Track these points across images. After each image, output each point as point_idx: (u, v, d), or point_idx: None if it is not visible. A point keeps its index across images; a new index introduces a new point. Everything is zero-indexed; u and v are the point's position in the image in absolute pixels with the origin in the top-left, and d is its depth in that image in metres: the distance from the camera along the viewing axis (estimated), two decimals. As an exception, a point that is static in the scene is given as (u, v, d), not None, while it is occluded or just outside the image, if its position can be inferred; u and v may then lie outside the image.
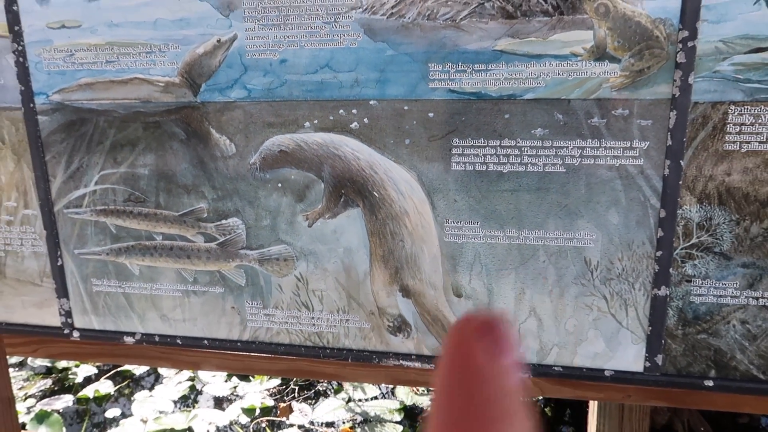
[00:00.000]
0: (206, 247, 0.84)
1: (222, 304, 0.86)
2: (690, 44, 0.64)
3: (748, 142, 0.67)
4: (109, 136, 0.83)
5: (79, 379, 2.76)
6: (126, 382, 2.71)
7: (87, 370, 2.78)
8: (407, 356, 0.82)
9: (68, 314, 0.92)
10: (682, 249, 0.71)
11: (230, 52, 0.76)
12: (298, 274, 0.83)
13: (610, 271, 0.74)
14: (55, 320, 0.93)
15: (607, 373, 0.77)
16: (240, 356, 0.92)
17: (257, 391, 2.69)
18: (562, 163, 0.71)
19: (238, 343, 0.87)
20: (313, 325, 0.84)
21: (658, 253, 0.71)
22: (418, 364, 0.82)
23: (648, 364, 0.75)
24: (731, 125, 0.67)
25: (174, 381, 2.73)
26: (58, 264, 0.90)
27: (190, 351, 0.92)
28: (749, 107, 0.66)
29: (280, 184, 0.80)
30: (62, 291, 0.91)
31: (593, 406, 1.22)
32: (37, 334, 0.96)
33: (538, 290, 0.76)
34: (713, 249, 0.70)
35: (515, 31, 0.68)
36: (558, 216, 0.73)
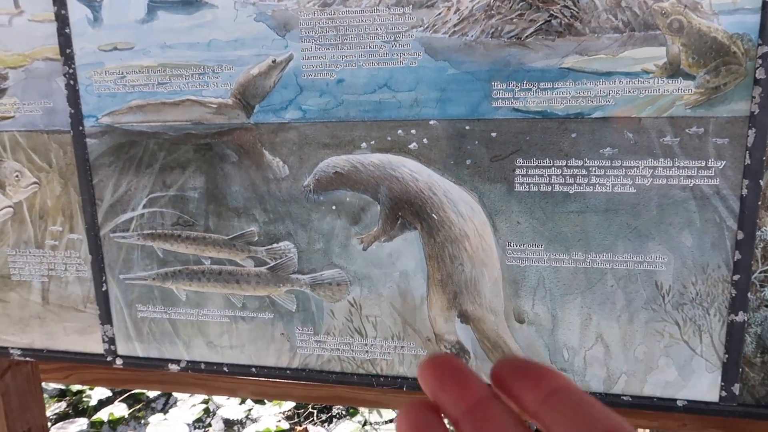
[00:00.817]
0: (256, 272, 0.82)
1: (271, 331, 0.84)
2: (770, 59, 0.62)
3: (832, 161, 0.64)
4: (159, 158, 0.81)
5: (93, 402, 2.74)
6: (140, 405, 2.68)
7: (101, 392, 2.75)
8: (465, 385, 0.79)
9: (112, 341, 0.90)
10: (761, 272, 0.68)
11: (286, 72, 0.74)
12: (351, 299, 0.80)
13: (683, 296, 0.70)
14: (98, 347, 0.91)
15: (679, 403, 0.73)
16: (278, 383, 0.89)
17: (272, 414, 2.65)
18: (632, 183, 0.69)
19: (288, 371, 0.85)
20: (366, 352, 0.81)
21: (735, 277, 0.68)
22: (477, 394, 0.78)
23: (724, 393, 0.72)
24: (814, 143, 0.64)
25: (188, 404, 2.69)
26: (103, 289, 0.88)
27: (226, 377, 0.89)
28: (833, 124, 0.63)
29: (334, 207, 0.77)
30: (106, 317, 0.89)
31: (644, 435, 1.17)
32: (78, 361, 0.93)
33: (606, 316, 0.73)
34: (795, 272, 0.67)
35: (583, 48, 0.66)
36: (627, 238, 0.70)
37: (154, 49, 0.77)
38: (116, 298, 0.88)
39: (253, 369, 0.86)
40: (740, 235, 0.67)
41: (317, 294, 0.81)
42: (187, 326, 0.87)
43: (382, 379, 0.82)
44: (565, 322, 0.74)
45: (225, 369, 0.87)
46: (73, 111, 0.82)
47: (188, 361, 0.88)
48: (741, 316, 0.69)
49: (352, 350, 0.82)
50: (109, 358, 0.91)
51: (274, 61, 0.74)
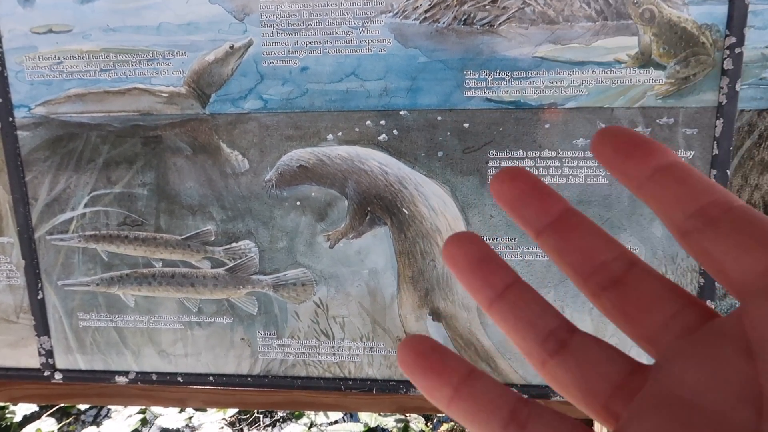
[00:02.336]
0: (213, 274, 0.76)
1: (230, 336, 0.79)
2: (737, 50, 0.63)
3: (794, 150, 0.66)
4: (103, 152, 0.74)
5: (17, 418, 2.55)
6: (71, 419, 2.52)
7: (27, 408, 2.57)
8: (437, 384, 0.76)
9: (49, 354, 0.82)
10: (727, 261, 0.69)
11: (245, 59, 0.69)
12: (317, 300, 0.76)
13: (653, 286, 0.71)
14: (33, 361, 0.83)
15: (649, 393, 0.74)
16: (231, 390, 0.84)
17: (214, 421, 2.55)
18: (604, 174, 0.68)
19: (249, 378, 0.79)
20: (334, 354, 0.78)
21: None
22: (449, 393, 0.76)
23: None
24: (777, 133, 0.65)
25: (123, 414, 2.55)
26: (39, 297, 0.80)
27: (174, 387, 0.83)
28: (795, 114, 0.65)
29: (298, 203, 0.73)
30: (42, 328, 0.81)
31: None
32: (9, 378, 0.84)
33: (579, 308, 0.72)
34: (758, 260, 0.69)
35: (557, 37, 0.65)
36: (600, 230, 0.70)
37: (96, 32, 0.70)
38: (54, 306, 0.80)
39: (211, 378, 0.80)
40: (708, 225, 0.68)
41: (280, 295, 0.76)
42: (136, 334, 0.80)
43: (350, 382, 0.78)
44: (538, 316, 0.73)
45: (179, 379, 0.81)
46: (1, 100, 0.73)
47: (138, 373, 0.81)
48: (708, 305, 0.70)
49: (319, 353, 0.78)
50: (46, 373, 0.83)
51: (231, 47, 0.69)
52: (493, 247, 0.69)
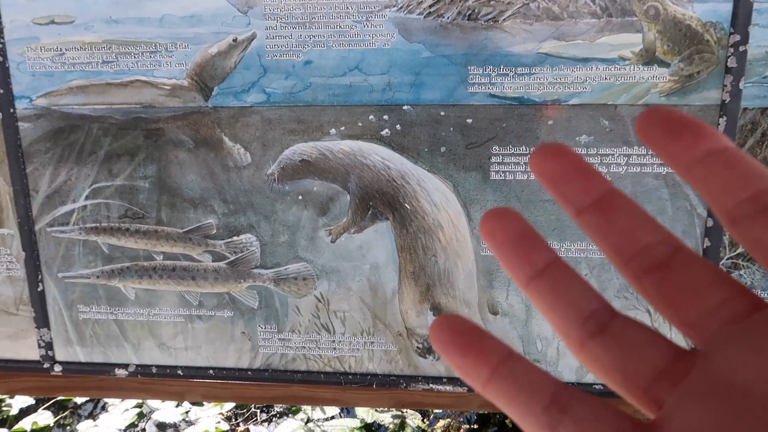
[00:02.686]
0: (214, 267, 0.76)
1: (231, 330, 0.78)
2: (741, 48, 0.63)
3: (796, 149, 0.66)
4: (104, 145, 0.74)
5: (14, 411, 2.54)
6: (67, 412, 2.52)
7: (23, 400, 2.56)
8: (437, 379, 0.77)
9: (49, 346, 0.82)
10: (728, 259, 0.69)
11: (248, 52, 0.69)
12: (318, 295, 0.76)
13: (654, 284, 0.71)
14: (33, 353, 0.83)
15: (649, 390, 0.74)
16: (230, 384, 0.84)
17: (211, 416, 2.55)
18: (607, 171, 0.68)
19: (249, 372, 0.79)
20: (334, 349, 0.78)
21: (705, 264, 0.69)
22: (449, 388, 0.76)
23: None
24: (779, 131, 0.65)
25: (120, 408, 2.55)
26: (38, 289, 0.79)
27: (173, 380, 0.83)
28: (798, 113, 0.65)
29: (300, 197, 0.73)
30: (42, 320, 0.81)
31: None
32: (8, 370, 0.84)
33: (579, 305, 0.72)
34: (759, 258, 0.69)
35: (561, 33, 0.65)
36: (601, 227, 0.70)
37: (98, 23, 0.70)
38: (54, 298, 0.80)
39: (211, 371, 0.80)
40: (710, 222, 0.68)
41: (281, 289, 0.76)
42: (136, 327, 0.80)
43: (350, 376, 0.78)
44: (538, 313, 0.73)
45: (179, 372, 0.81)
46: (2, 91, 0.73)
47: (137, 365, 0.81)
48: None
49: (319, 348, 0.78)
50: (45, 365, 0.82)
51: (235, 40, 0.69)
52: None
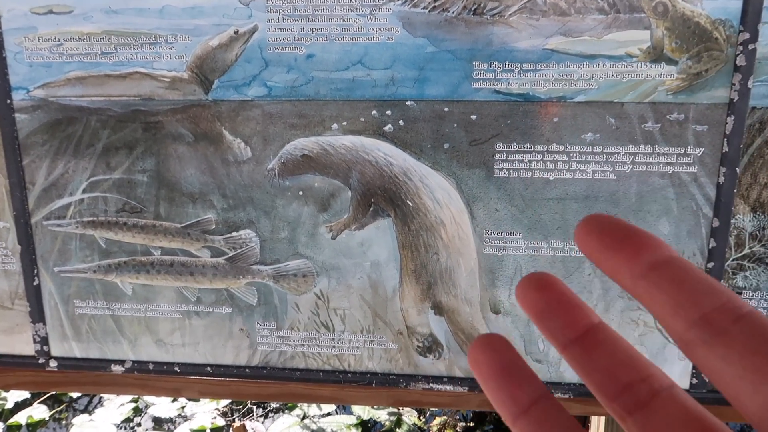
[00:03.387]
0: (213, 263, 0.75)
1: (229, 326, 0.78)
2: (751, 47, 0.62)
3: (804, 149, 0.65)
4: (102, 137, 0.73)
5: (9, 405, 2.53)
6: (63, 406, 2.51)
7: (18, 394, 2.55)
8: (438, 379, 0.76)
9: (44, 341, 0.81)
10: (733, 260, 0.68)
11: (249, 45, 0.68)
12: (318, 292, 0.75)
13: (658, 284, 0.70)
14: (28, 348, 0.81)
15: (651, 392, 0.73)
16: (227, 381, 0.83)
17: (207, 411, 2.54)
18: (612, 170, 0.67)
19: (247, 369, 0.78)
20: (333, 347, 0.77)
21: (710, 265, 0.68)
22: (449, 387, 0.75)
23: (695, 380, 0.72)
24: (788, 131, 0.65)
25: (116, 403, 2.54)
26: (34, 284, 0.78)
27: (170, 377, 0.82)
28: (807, 113, 0.64)
29: (301, 192, 0.72)
30: (38, 314, 0.80)
31: (597, 422, 1.19)
32: (3, 365, 0.83)
33: (582, 305, 0.71)
34: (765, 260, 0.68)
35: (568, 29, 0.64)
36: (606, 226, 0.69)
37: (97, 13, 0.69)
38: (50, 293, 0.79)
39: (208, 368, 0.79)
40: (716, 223, 0.67)
41: (281, 286, 0.75)
42: (133, 323, 0.79)
43: (349, 375, 0.77)
44: (541, 312, 0.72)
45: (176, 369, 0.80)
46: (-1, 82, 0.72)
47: (134, 362, 0.80)
48: None
49: (318, 346, 0.77)
50: (41, 360, 0.81)
51: (236, 32, 0.68)
52: (498, 241, 0.68)
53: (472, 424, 2.11)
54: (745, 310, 0.16)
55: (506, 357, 0.21)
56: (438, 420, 2.14)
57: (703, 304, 0.16)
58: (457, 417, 2.14)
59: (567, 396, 0.74)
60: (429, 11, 0.65)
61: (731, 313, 0.16)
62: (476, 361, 0.21)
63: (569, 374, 0.74)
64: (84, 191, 0.75)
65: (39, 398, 2.55)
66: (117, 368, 0.80)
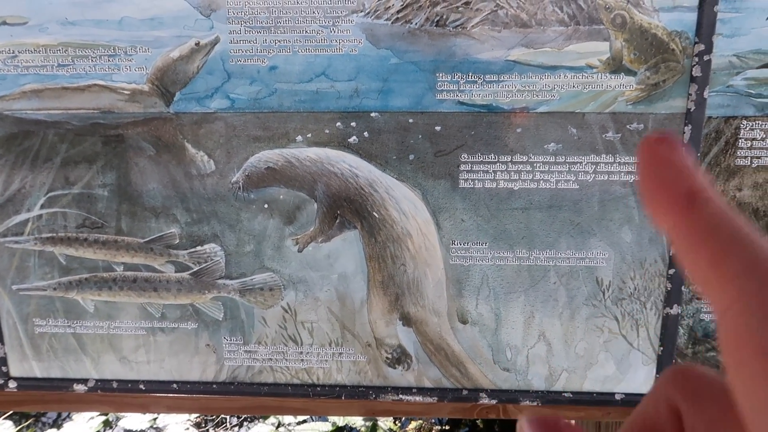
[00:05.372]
0: (177, 278, 0.74)
1: (195, 342, 0.76)
2: (706, 58, 0.63)
3: (759, 157, 0.67)
4: (60, 151, 0.71)
5: (-29, 422, 2.45)
6: (30, 421, 2.44)
7: (-18, 411, 2.47)
8: (407, 390, 0.76)
9: (2, 361, 0.78)
10: (694, 266, 0.70)
11: (211, 56, 0.67)
12: (285, 305, 0.74)
13: (622, 291, 0.71)
14: (-15, 369, 0.79)
15: (617, 397, 0.74)
16: (194, 396, 0.81)
17: (180, 422, 2.50)
18: (575, 179, 0.68)
19: (214, 386, 0.77)
20: (302, 360, 0.76)
21: (671, 271, 0.70)
22: (419, 398, 0.75)
23: (659, 385, 0.73)
24: (743, 140, 0.66)
25: (85, 417, 2.48)
26: (-9, 302, 0.76)
27: (137, 393, 0.80)
28: (761, 122, 0.66)
29: (266, 205, 0.71)
30: (-5, 334, 0.77)
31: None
32: (-41, 386, 0.80)
33: (548, 313, 0.72)
34: (724, 265, 0.70)
35: (530, 40, 0.65)
36: (570, 235, 0.70)
37: (53, 25, 0.67)
38: (8, 311, 0.77)
39: (175, 385, 0.78)
40: (676, 230, 0.68)
41: (247, 300, 0.74)
42: (95, 341, 0.77)
43: (318, 388, 0.76)
44: (508, 321, 0.73)
45: (141, 387, 0.78)
46: (-50, 95, 0.70)
47: (97, 380, 0.78)
48: (675, 309, 0.71)
49: (286, 359, 0.76)
50: (-1, 381, 0.79)
51: (197, 44, 0.67)
52: (464, 251, 0.68)
53: (447, 428, 2.11)
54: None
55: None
56: (414, 424, 2.14)
57: None
58: (433, 421, 2.14)
59: (535, 403, 0.75)
60: (392, 23, 0.65)
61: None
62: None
63: (537, 382, 0.74)
64: (42, 207, 0.73)
65: (2, 415, 2.47)
66: (80, 387, 0.78)
